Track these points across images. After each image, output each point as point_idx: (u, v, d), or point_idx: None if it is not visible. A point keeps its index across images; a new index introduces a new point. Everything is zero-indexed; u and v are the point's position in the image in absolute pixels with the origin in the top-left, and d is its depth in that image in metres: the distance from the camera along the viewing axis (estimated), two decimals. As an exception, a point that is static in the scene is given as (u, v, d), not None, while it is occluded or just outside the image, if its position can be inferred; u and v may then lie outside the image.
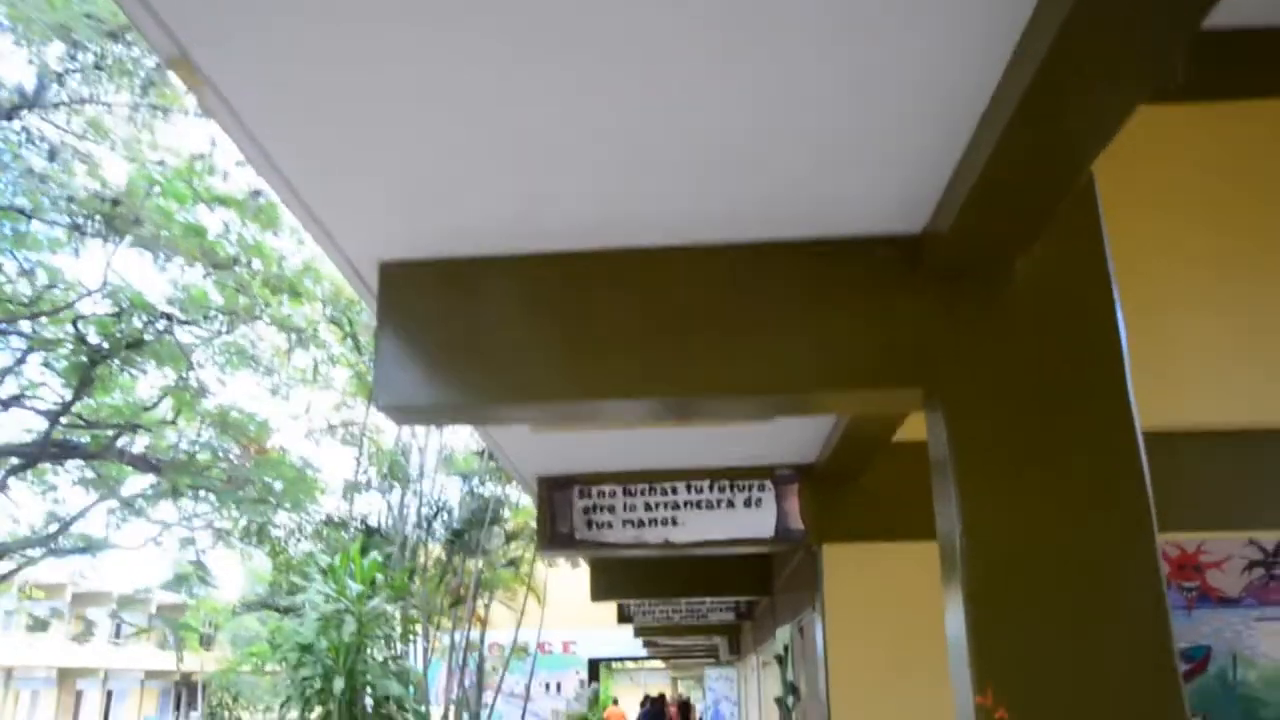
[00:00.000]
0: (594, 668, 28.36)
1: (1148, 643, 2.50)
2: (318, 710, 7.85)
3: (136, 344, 12.54)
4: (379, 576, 8.85)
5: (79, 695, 49.67)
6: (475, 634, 17.90)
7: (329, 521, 13.24)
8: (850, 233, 2.90)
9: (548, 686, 27.19)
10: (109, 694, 50.20)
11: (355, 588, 8.35)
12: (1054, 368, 2.78)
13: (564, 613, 21.75)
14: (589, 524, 5.84)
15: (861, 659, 5.45)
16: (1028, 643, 2.55)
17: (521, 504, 16.06)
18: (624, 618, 12.60)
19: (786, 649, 7.20)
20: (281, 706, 8.40)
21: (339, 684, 7.73)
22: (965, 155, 2.49)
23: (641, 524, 5.80)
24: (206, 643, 36.38)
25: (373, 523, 13.42)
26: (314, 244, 3.42)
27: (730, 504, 5.80)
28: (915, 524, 5.83)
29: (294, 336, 12.96)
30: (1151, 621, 2.52)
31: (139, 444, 16.58)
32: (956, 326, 2.84)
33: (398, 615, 8.87)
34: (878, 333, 2.86)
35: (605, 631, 21.71)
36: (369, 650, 8.00)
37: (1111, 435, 2.71)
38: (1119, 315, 2.80)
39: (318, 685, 7.82)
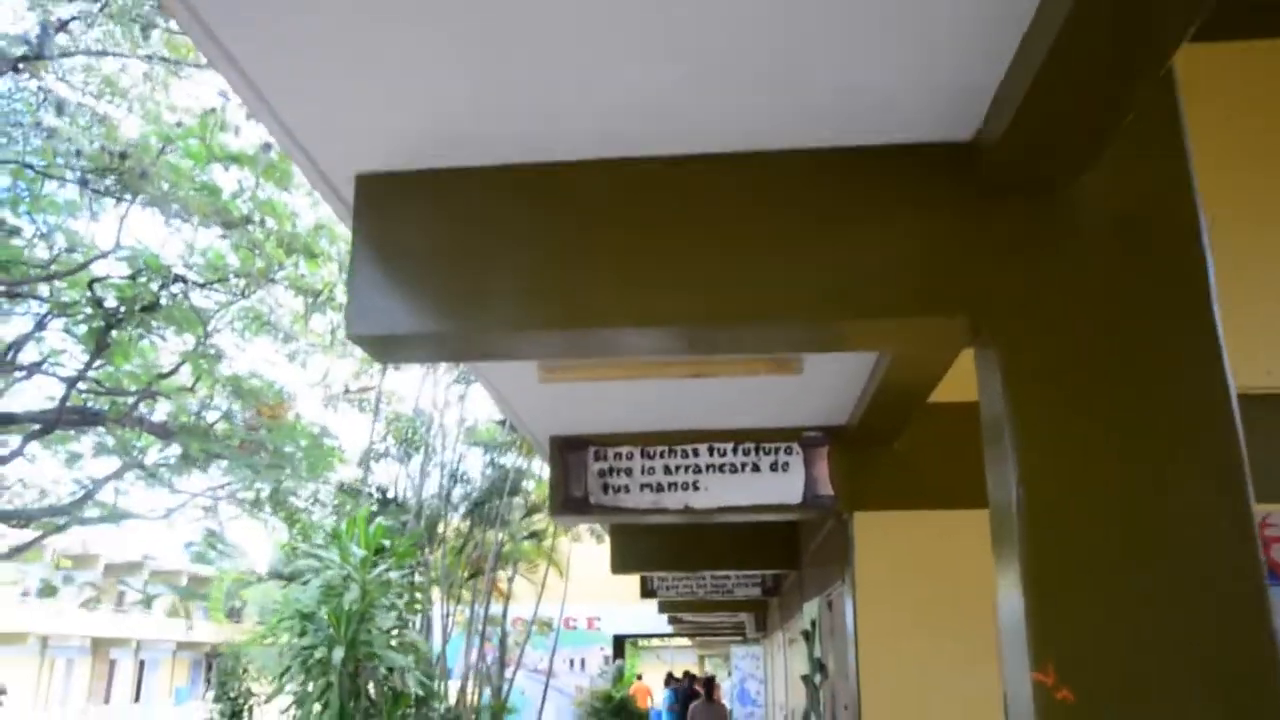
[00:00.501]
0: (619, 644, 28.18)
1: (1241, 624, 2.14)
2: (319, 681, 7.62)
3: (151, 307, 12.34)
4: (386, 543, 8.55)
5: (112, 664, 50.43)
6: (498, 608, 17.75)
7: (343, 489, 13.00)
8: (888, 139, 2.53)
9: (572, 663, 27.06)
10: (141, 664, 50.94)
11: (359, 554, 8.07)
12: (1129, 301, 2.40)
13: (589, 588, 21.56)
14: (605, 488, 5.52)
15: (893, 634, 5.12)
16: (1098, 619, 2.20)
17: (543, 476, 15.81)
18: (647, 592, 12.33)
19: (814, 625, 6.88)
20: (280, 677, 8.19)
21: (339, 654, 7.48)
22: (1026, 37, 2.11)
23: (660, 488, 5.48)
24: (235, 615, 36.66)
25: (390, 492, 13.17)
26: (297, 168, 3.09)
27: (755, 468, 5.47)
28: (953, 491, 5.48)
29: (311, 300, 12.73)
30: (1246, 600, 2.16)
31: (160, 411, 16.51)
32: (1012, 249, 2.48)
33: (406, 584, 8.59)
34: (920, 253, 2.50)
35: (630, 608, 21.50)
36: (375, 621, 7.74)
37: (1198, 381, 2.34)
38: (1206, 242, 2.42)
39: (318, 655, 7.59)
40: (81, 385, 15.36)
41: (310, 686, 7.59)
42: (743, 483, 5.45)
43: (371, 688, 7.67)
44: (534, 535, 16.38)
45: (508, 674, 16.57)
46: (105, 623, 43.13)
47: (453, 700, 13.15)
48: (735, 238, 2.52)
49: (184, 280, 12.33)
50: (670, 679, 22.72)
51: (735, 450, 5.50)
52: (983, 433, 2.63)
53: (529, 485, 15.65)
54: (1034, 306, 2.44)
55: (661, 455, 5.54)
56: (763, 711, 20.15)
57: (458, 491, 14.05)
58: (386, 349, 2.69)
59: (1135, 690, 2.15)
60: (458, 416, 14.55)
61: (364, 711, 7.52)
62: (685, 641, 35.84)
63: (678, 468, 5.51)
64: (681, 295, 2.51)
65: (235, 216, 11.16)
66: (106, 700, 48.78)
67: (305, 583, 8.20)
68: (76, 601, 40.55)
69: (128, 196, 11.10)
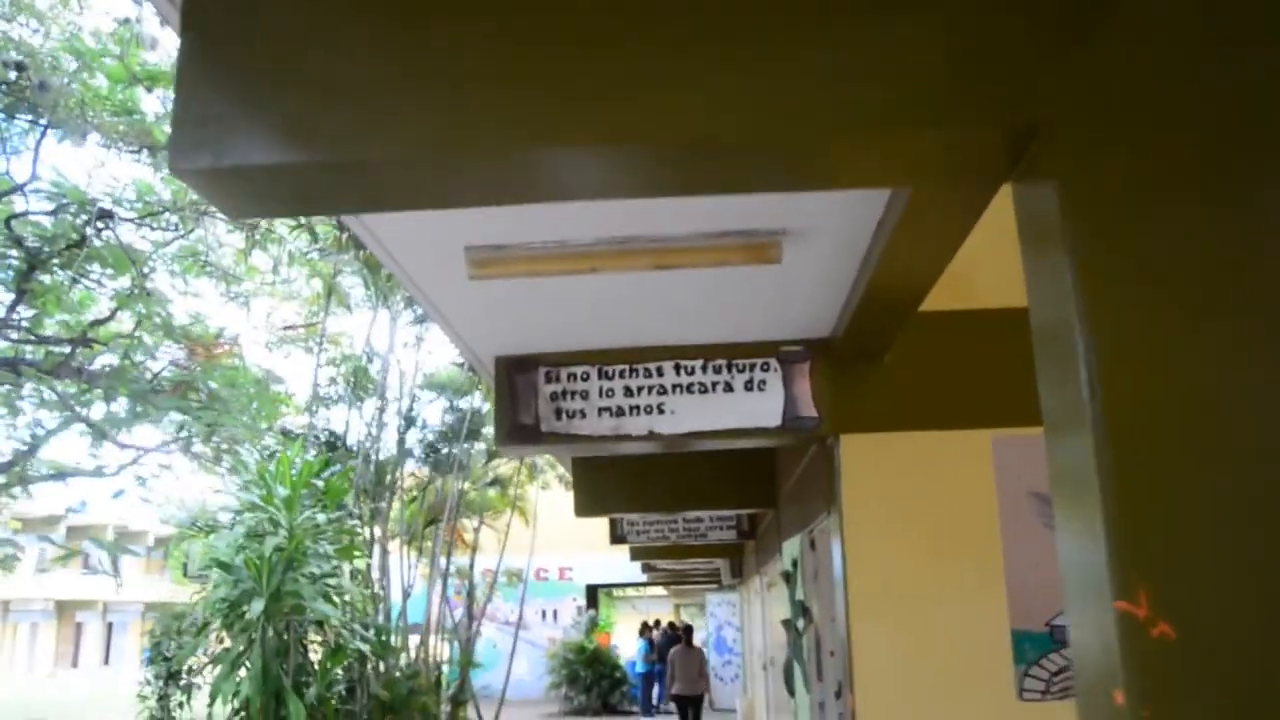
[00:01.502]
0: (592, 594, 27.82)
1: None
2: (240, 638, 6.95)
3: (77, 244, 11.47)
4: (319, 482, 7.79)
5: (79, 627, 49.77)
6: (466, 560, 17.21)
7: (286, 435, 12.27)
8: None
9: (544, 614, 26.68)
10: (109, 626, 50.30)
11: (284, 494, 7.32)
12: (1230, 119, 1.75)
13: (560, 538, 21.07)
14: (558, 413, 4.89)
15: (886, 570, 4.56)
16: (1204, 537, 1.59)
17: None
18: (617, 538, 11.77)
19: (795, 565, 6.33)
20: (198, 634, 7.51)
21: (258, 606, 6.81)
22: None
23: (621, 412, 4.86)
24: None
25: (339, 438, 12.45)
26: None
27: (728, 387, 4.85)
28: (951, 409, 4.89)
29: (250, 234, 11.88)
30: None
31: (105, 361, 15.65)
32: (1076, 38, 1.83)
33: (339, 528, 7.90)
34: (942, 43, 1.84)
35: (603, 557, 21.07)
36: (308, 568, 7.04)
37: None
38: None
39: (243, 609, 6.92)
40: (12, 334, 14.48)
41: (232, 644, 6.91)
42: (714, 404, 4.84)
43: (306, 644, 7.02)
44: (497, 482, 15.76)
45: (475, 627, 16.03)
46: (69, 585, 42.39)
47: (414, 655, 12.59)
48: (696, 22, 1.85)
49: (111, 216, 11.43)
50: (645, 628, 22.35)
51: (705, 368, 4.88)
52: (1033, 309, 2.01)
53: (491, 430, 15.00)
54: (1103, 113, 1.80)
55: (622, 375, 4.92)
56: (740, 659, 19.88)
57: (414, 436, 13.35)
58: (229, 190, 2.01)
59: (1254, 624, 1.55)
60: (415, 359, 13.84)
61: (295, 670, 6.88)
62: (661, 591, 35.61)
63: (640, 389, 4.89)
64: (629, 105, 1.84)
65: (160, 141, 10.25)
66: (74, 664, 48.22)
67: (231, 529, 7.48)
68: (37, 566, 39.64)
69: (42, 123, 10.18)
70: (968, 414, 4.70)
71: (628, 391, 4.89)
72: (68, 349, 14.41)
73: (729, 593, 21.31)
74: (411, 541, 13.79)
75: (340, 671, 7.58)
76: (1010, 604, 4.48)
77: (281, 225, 11.65)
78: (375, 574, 11.40)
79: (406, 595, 12.54)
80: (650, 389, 4.89)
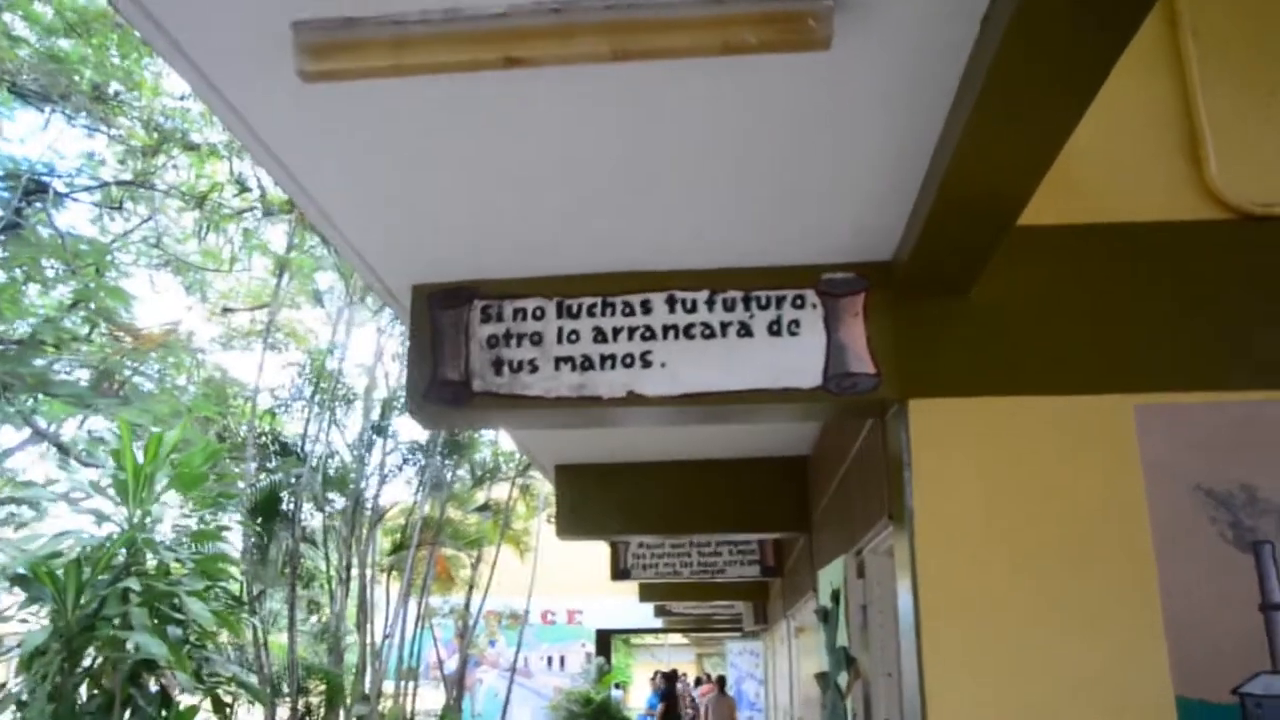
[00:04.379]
0: (603, 640, 26.09)
1: None
2: (33, 675, 5.31)
3: (11, 227, 10.19)
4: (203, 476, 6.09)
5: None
6: (456, 598, 15.73)
7: (220, 438, 10.79)
8: None
9: (550, 660, 25.00)
10: None
11: (122, 480, 5.69)
12: None
13: (568, 578, 19.51)
14: (497, 365, 3.48)
15: (980, 605, 3.09)
16: None
17: (498, 442, 13.61)
18: (619, 572, 10.27)
19: (836, 598, 4.83)
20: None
21: (34, 639, 5.13)
22: None
23: (589, 364, 3.45)
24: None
25: (288, 444, 10.97)
26: None
27: (745, 330, 3.43)
28: (1070, 366, 3.43)
29: (201, 212, 10.57)
30: None
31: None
32: None
33: (206, 530, 6.31)
34: None
35: (615, 600, 19.51)
36: (153, 588, 5.32)
37: None
38: None
39: (36, 641, 5.32)
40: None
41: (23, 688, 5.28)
42: (724, 355, 3.42)
43: (148, 688, 5.36)
44: (485, 508, 14.22)
45: (475, 674, 14.50)
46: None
47: (387, 705, 11.08)
48: None
49: (44, 190, 10.16)
50: (656, 678, 20.69)
51: (712, 303, 3.47)
52: None
53: (483, 454, 13.53)
54: None
55: (591, 311, 3.51)
56: (762, 718, 18.18)
57: (378, 448, 11.83)
58: None
59: None
60: (387, 363, 12.42)
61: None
62: (681, 639, 33.83)
63: (618, 331, 3.48)
64: None
65: (85, 90, 8.96)
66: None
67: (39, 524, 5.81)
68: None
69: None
70: (1097, 372, 3.26)
71: (599, 335, 3.48)
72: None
73: (751, 640, 19.63)
74: (388, 571, 12.30)
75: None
76: (1173, 658, 2.99)
77: (235, 201, 10.35)
78: (333, 607, 9.92)
79: (370, 637, 11.04)
80: (632, 332, 3.47)
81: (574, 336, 3.48)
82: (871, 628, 4.29)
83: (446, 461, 12.02)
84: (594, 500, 6.94)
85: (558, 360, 3.47)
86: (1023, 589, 3.06)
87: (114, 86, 9.37)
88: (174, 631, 5.20)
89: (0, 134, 10.08)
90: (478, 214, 3.19)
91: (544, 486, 16.01)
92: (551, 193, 3.04)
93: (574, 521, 6.96)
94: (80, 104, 9.04)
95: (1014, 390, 3.27)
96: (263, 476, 9.01)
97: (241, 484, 7.04)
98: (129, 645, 4.85)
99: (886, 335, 3.38)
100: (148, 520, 5.55)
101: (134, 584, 4.98)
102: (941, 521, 3.19)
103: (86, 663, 5.09)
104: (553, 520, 18.65)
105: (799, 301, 3.43)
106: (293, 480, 9.36)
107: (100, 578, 5.13)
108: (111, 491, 5.57)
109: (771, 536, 8.97)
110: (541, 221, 3.25)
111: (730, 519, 7.05)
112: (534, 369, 3.47)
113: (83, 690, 5.02)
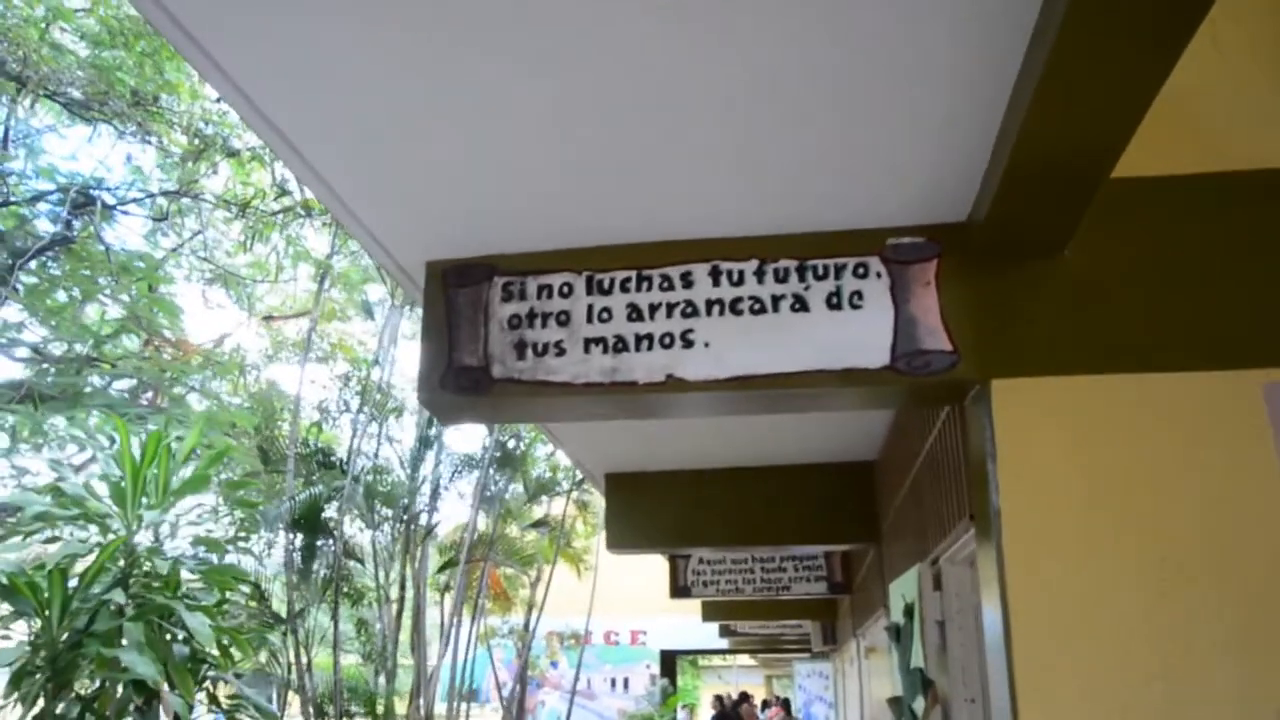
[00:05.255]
0: (668, 661, 25.55)
1: None
2: (20, 690, 4.88)
3: (61, 241, 10.16)
4: (184, 473, 5.59)
5: None
6: (514, 618, 15.39)
7: (262, 450, 10.57)
8: None
9: (613, 682, 24.53)
10: None
11: (118, 478, 5.30)
12: None
13: (633, 597, 19.09)
14: (519, 348, 3.12)
15: (1082, 620, 2.63)
16: None
17: (555, 455, 13.18)
18: (679, 589, 9.84)
19: (909, 613, 4.36)
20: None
21: (14, 649, 4.80)
22: None
23: (622, 345, 3.07)
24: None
25: (332, 455, 10.73)
26: None
27: (799, 304, 3.02)
28: (1182, 338, 2.96)
29: (247, 221, 10.43)
30: None
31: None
32: None
33: (218, 540, 5.93)
34: None
35: (680, 619, 19.03)
36: (153, 599, 4.89)
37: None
38: None
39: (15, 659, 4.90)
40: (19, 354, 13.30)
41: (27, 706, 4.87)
42: (776, 332, 3.01)
43: (154, 712, 4.97)
44: (542, 524, 13.85)
45: (537, 696, 14.14)
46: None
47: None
48: None
49: (93, 203, 10.10)
50: (717, 701, 20.14)
51: (762, 273, 3.07)
52: None
53: (540, 470, 13.16)
54: None
55: (625, 286, 3.13)
56: (834, 742, 17.53)
57: (427, 463, 11.53)
58: None
59: None
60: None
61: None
62: (749, 660, 33.12)
63: (655, 307, 3.09)
64: None
65: (124, 95, 8.84)
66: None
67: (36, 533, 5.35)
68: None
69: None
70: (1216, 345, 2.79)
71: (633, 312, 3.09)
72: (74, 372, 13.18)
73: (820, 661, 19.00)
74: (443, 590, 12.00)
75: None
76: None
77: (277, 205, 10.18)
78: (383, 627, 9.62)
79: (422, 655, 10.72)
80: (671, 308, 3.08)
81: (606, 315, 3.10)
82: (951, 646, 3.82)
83: (499, 475, 11.68)
84: (646, 510, 6.55)
85: (588, 342, 3.09)
86: (1129, 604, 2.58)
87: (153, 91, 9.26)
88: (180, 650, 4.88)
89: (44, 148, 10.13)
90: (494, 177, 2.83)
91: (602, 502, 15.68)
92: (579, 148, 2.67)
93: (625, 533, 6.57)
94: (119, 109, 8.94)
95: (1117, 367, 2.81)
96: (302, 488, 8.74)
97: (283, 498, 6.78)
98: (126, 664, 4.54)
99: (964, 306, 2.94)
100: (150, 527, 5.27)
101: (119, 596, 4.63)
102: (1034, 522, 2.73)
103: (83, 684, 4.80)
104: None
105: (861, 270, 3.01)
106: (333, 493, 9.10)
107: (92, 590, 4.84)
108: (107, 497, 5.27)
109: (838, 549, 8.47)
110: (568, 184, 2.88)
111: (792, 530, 6.58)
112: (561, 352, 3.09)
113: (73, 714, 4.70)
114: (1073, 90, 2.15)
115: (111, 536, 5.05)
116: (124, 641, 4.49)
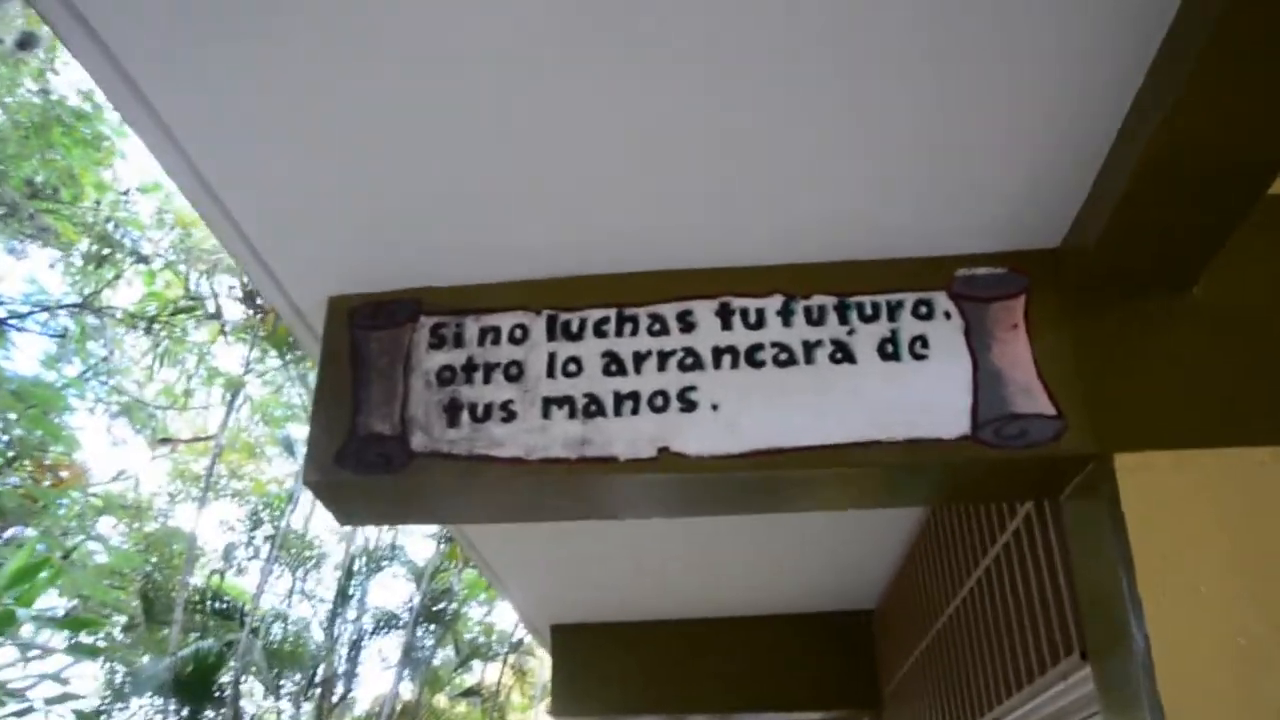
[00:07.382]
0: None
1: None
2: None
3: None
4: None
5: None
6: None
7: (145, 597, 9.24)
8: None
9: None
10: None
11: None
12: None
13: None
14: (453, 410, 2.26)
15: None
16: None
17: (490, 614, 11.90)
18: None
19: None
20: None
21: None
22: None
23: (595, 408, 2.22)
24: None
25: (233, 606, 9.39)
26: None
27: (841, 353, 2.23)
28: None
29: (156, 339, 9.41)
30: None
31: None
32: None
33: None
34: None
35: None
36: None
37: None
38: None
39: None
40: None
41: None
42: (810, 390, 2.19)
43: None
44: (473, 693, 12.39)
45: None
46: None
47: None
48: None
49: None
50: None
51: (788, 313, 2.27)
52: None
53: (473, 621, 11.89)
54: None
55: (601, 329, 2.30)
56: None
57: (342, 618, 10.17)
58: None
59: None
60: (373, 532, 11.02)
61: None
62: None
63: (642, 357, 2.26)
64: None
65: (17, 186, 7.95)
66: None
67: None
68: None
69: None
70: None
71: (613, 364, 2.25)
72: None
73: None
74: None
75: None
76: None
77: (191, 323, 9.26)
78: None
79: None
80: (664, 358, 2.25)
81: (574, 367, 2.25)
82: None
83: (426, 634, 10.43)
84: (597, 669, 5.48)
85: (548, 403, 2.22)
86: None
87: (49, 181, 8.42)
88: None
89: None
90: (422, 178, 2.03)
91: (544, 671, 14.30)
92: (537, 137, 1.89)
93: (571, 696, 5.47)
94: (11, 200, 8.06)
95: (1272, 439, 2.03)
96: (189, 644, 7.51)
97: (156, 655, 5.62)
98: None
99: (1063, 356, 2.16)
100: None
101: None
102: (1199, 653, 1.87)
103: None
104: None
105: (924, 309, 2.23)
106: (224, 648, 7.82)
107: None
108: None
109: (831, 715, 7.37)
110: (523, 187, 2.08)
111: (769, 695, 5.55)
112: (510, 416, 2.22)
113: None
114: (1241, 81, 1.50)
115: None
116: None
